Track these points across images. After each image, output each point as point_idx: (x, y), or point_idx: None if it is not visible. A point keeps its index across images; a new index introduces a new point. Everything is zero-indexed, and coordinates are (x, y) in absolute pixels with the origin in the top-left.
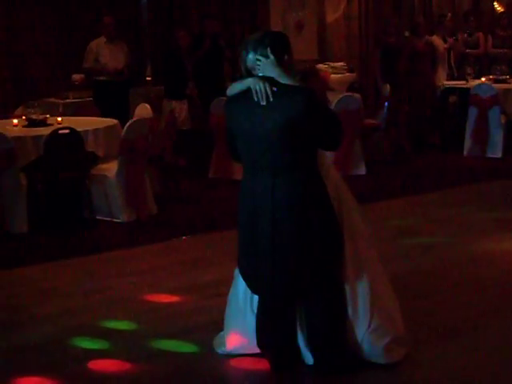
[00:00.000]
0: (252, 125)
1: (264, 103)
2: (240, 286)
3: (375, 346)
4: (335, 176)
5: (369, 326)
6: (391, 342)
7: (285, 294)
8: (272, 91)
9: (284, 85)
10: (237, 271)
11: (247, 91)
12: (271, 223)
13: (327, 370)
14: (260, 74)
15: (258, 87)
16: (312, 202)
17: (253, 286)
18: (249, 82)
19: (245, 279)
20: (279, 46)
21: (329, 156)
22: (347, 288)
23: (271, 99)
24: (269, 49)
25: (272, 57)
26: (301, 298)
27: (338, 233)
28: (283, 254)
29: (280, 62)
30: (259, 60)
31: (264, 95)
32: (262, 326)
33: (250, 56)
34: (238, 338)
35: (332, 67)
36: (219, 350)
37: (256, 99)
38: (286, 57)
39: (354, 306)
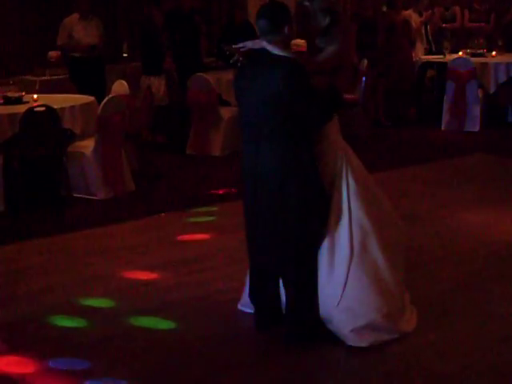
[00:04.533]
0: (243, 92)
1: (230, 62)
2: None
3: (342, 328)
4: (340, 150)
5: (338, 304)
6: (362, 328)
7: (264, 258)
8: (246, 57)
9: (272, 55)
10: None
11: (251, 60)
12: (253, 189)
13: (294, 338)
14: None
15: (231, 49)
16: (291, 176)
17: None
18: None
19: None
20: (276, 19)
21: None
22: (323, 262)
23: (231, 61)
24: (268, 19)
25: (268, 27)
26: (277, 265)
27: (317, 210)
28: (262, 219)
29: (274, 33)
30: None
31: (235, 57)
32: (250, 283)
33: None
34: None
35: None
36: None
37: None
38: (282, 29)
39: (328, 279)
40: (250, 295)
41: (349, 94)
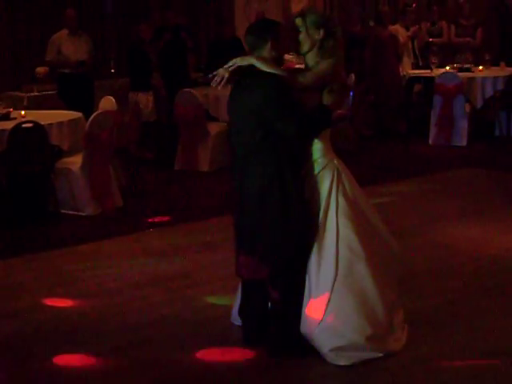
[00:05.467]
0: (230, 108)
1: (213, 85)
2: None
3: (322, 346)
4: (332, 167)
5: (320, 322)
6: (342, 348)
7: (246, 272)
8: (231, 80)
9: (257, 72)
10: None
11: (241, 76)
12: (240, 204)
13: (276, 352)
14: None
15: (220, 71)
16: (270, 192)
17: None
18: (232, 61)
19: None
20: (260, 34)
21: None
22: (309, 280)
23: (219, 87)
24: (253, 34)
25: (253, 42)
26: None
27: (296, 228)
28: (245, 234)
29: (260, 48)
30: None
31: (218, 80)
32: (240, 298)
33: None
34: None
35: (297, 57)
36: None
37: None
38: (266, 44)
39: (309, 297)
40: (239, 310)
41: (338, 109)
